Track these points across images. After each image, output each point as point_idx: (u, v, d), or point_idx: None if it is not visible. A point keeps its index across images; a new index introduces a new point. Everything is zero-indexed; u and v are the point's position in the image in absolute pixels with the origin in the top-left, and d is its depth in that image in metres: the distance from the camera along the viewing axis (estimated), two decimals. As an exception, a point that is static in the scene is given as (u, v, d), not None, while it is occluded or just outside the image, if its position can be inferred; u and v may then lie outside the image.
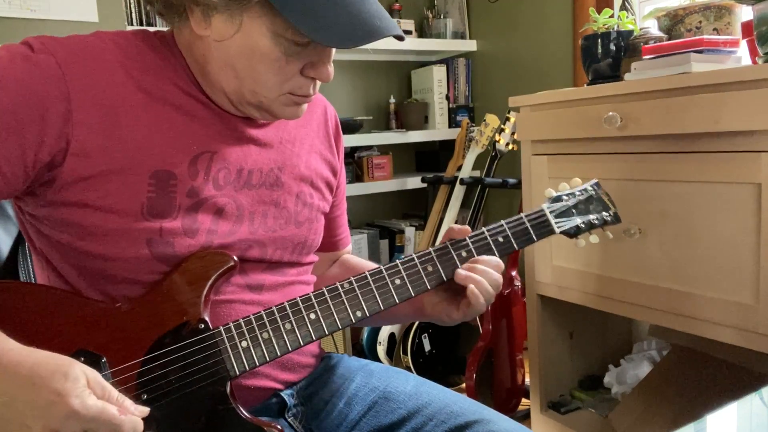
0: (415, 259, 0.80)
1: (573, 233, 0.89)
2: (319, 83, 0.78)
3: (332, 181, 0.94)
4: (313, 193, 0.88)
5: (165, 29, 0.80)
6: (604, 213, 0.91)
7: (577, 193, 0.91)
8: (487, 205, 2.38)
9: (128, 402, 0.62)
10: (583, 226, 0.89)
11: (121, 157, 0.70)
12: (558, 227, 0.87)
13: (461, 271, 0.80)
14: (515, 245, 0.84)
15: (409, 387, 0.87)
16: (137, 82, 0.73)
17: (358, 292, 0.77)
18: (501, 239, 0.83)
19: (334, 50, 0.76)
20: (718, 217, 1.13)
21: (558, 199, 0.89)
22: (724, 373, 1.33)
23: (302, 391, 0.86)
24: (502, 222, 0.85)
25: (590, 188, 0.92)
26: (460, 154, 2.36)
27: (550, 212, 0.87)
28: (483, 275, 0.79)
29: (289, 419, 0.83)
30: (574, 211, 0.89)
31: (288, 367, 0.84)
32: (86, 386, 0.58)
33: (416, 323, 2.08)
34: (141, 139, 0.72)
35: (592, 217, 0.90)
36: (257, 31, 0.70)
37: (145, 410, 0.63)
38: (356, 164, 2.45)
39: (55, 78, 0.68)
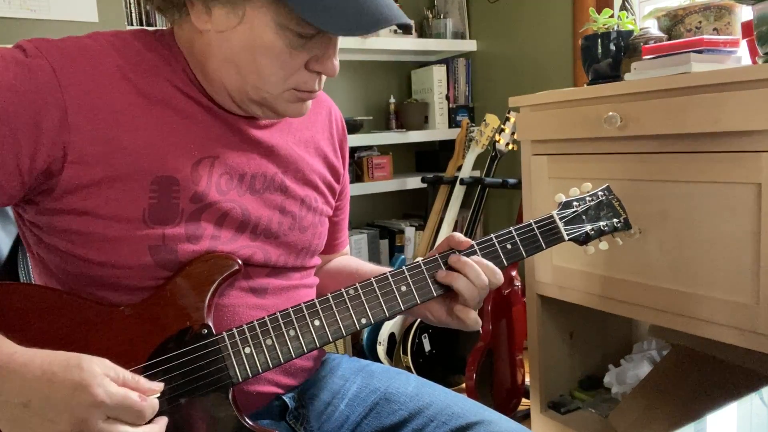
0: (422, 265, 0.79)
1: (582, 240, 0.88)
2: (323, 78, 0.76)
3: (335, 186, 0.92)
4: (317, 197, 0.87)
5: (165, 29, 0.79)
6: (614, 219, 0.90)
7: (588, 198, 0.89)
8: (487, 205, 2.38)
9: (143, 380, 0.62)
10: (592, 233, 0.88)
11: (121, 164, 0.69)
12: (567, 234, 0.86)
13: (442, 272, 0.78)
14: (523, 253, 0.83)
15: (410, 388, 0.86)
16: (135, 86, 0.72)
17: (363, 298, 0.75)
18: (509, 246, 0.82)
19: (338, 44, 0.74)
20: (718, 217, 1.13)
21: (568, 204, 0.88)
22: (724, 373, 1.33)
23: (303, 394, 0.86)
24: (511, 228, 0.83)
25: (601, 194, 0.90)
26: (460, 154, 2.36)
27: (560, 219, 0.86)
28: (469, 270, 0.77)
29: (290, 422, 0.82)
30: (584, 217, 0.88)
31: (290, 372, 0.83)
32: (104, 375, 0.58)
33: (416, 323, 2.08)
34: (141, 145, 0.70)
35: (602, 223, 0.89)
36: (260, 23, 0.68)
37: (160, 386, 0.64)
38: (356, 164, 2.45)
39: (50, 84, 0.66)
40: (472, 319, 0.78)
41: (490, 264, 0.79)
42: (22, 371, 0.57)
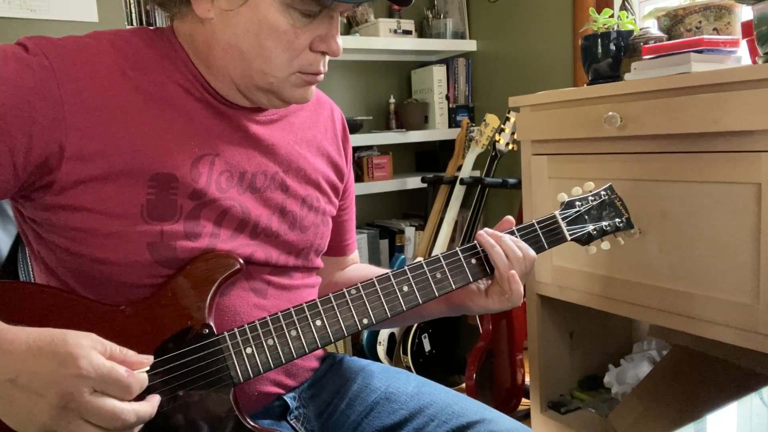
0: (425, 266, 0.79)
1: (585, 240, 0.88)
2: (327, 60, 0.77)
3: (338, 185, 0.92)
4: (319, 197, 0.87)
5: (165, 26, 0.79)
6: (616, 219, 0.90)
7: (590, 198, 0.89)
8: (487, 205, 2.38)
9: (131, 353, 0.61)
10: (595, 233, 0.87)
11: (119, 161, 0.69)
12: (570, 235, 0.86)
13: (482, 233, 0.81)
14: None
15: (411, 387, 0.86)
16: (135, 84, 0.72)
17: (365, 299, 0.75)
18: None
19: (338, 24, 0.75)
20: (718, 217, 1.13)
21: (570, 204, 0.88)
22: (724, 373, 1.33)
23: (304, 393, 0.86)
24: (514, 229, 0.83)
25: (603, 193, 0.90)
26: (460, 154, 2.36)
27: (562, 219, 0.86)
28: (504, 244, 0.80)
29: (291, 422, 0.82)
30: (586, 217, 0.88)
31: (291, 372, 0.83)
32: (90, 347, 0.57)
33: (416, 323, 2.08)
34: (140, 142, 0.71)
35: (604, 223, 0.88)
36: (265, 3, 0.69)
37: (149, 359, 0.63)
38: (356, 164, 2.44)
39: (48, 81, 0.67)
40: (516, 292, 0.79)
41: (521, 242, 0.82)
42: (9, 348, 0.57)
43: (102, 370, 0.56)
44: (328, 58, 0.76)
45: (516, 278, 0.79)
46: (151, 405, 0.62)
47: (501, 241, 0.80)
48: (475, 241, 0.82)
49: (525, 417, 1.82)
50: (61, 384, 0.55)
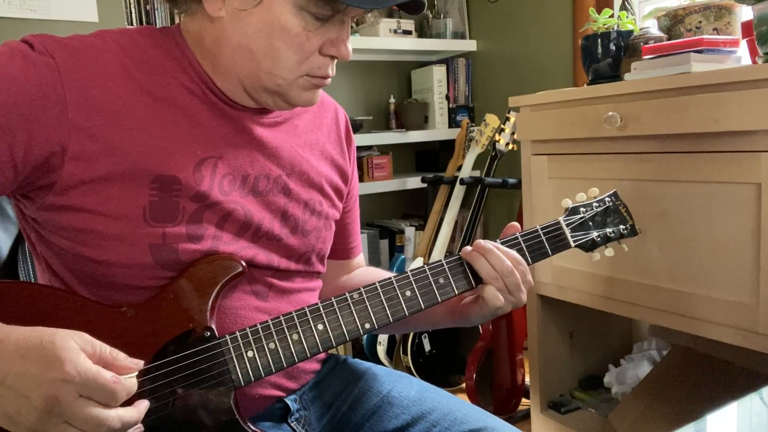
0: (427, 270, 0.78)
1: (588, 247, 0.87)
2: (334, 65, 0.76)
3: (342, 189, 0.92)
4: (322, 200, 0.87)
5: (172, 26, 0.79)
6: (621, 226, 0.89)
7: (595, 204, 0.89)
8: (487, 205, 2.39)
9: (121, 356, 0.61)
10: (599, 240, 0.87)
11: (122, 162, 0.69)
12: (574, 241, 0.85)
13: (467, 248, 0.80)
14: (529, 259, 0.82)
15: (413, 392, 0.86)
16: (140, 84, 0.72)
17: (367, 303, 0.75)
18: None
19: (349, 29, 0.75)
20: (718, 217, 1.13)
21: (575, 210, 0.87)
22: (724, 373, 1.33)
23: (306, 395, 0.86)
24: (517, 234, 0.83)
25: (608, 200, 0.90)
26: (460, 154, 2.36)
27: (567, 225, 0.85)
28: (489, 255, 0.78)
29: (292, 424, 0.82)
30: (590, 224, 0.87)
31: (292, 375, 0.82)
32: (78, 350, 0.57)
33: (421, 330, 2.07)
34: (143, 143, 0.70)
35: (608, 230, 0.88)
36: (279, 4, 0.69)
37: (139, 363, 0.63)
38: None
39: (52, 80, 0.66)
40: (491, 303, 0.77)
41: (514, 253, 0.79)
42: None
43: (87, 374, 0.56)
44: (336, 61, 0.76)
45: (492, 292, 0.78)
46: (137, 411, 0.61)
47: (488, 254, 0.78)
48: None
49: (525, 417, 1.83)
50: (46, 387, 0.55)
